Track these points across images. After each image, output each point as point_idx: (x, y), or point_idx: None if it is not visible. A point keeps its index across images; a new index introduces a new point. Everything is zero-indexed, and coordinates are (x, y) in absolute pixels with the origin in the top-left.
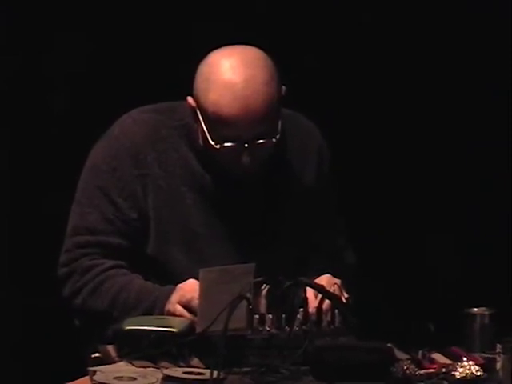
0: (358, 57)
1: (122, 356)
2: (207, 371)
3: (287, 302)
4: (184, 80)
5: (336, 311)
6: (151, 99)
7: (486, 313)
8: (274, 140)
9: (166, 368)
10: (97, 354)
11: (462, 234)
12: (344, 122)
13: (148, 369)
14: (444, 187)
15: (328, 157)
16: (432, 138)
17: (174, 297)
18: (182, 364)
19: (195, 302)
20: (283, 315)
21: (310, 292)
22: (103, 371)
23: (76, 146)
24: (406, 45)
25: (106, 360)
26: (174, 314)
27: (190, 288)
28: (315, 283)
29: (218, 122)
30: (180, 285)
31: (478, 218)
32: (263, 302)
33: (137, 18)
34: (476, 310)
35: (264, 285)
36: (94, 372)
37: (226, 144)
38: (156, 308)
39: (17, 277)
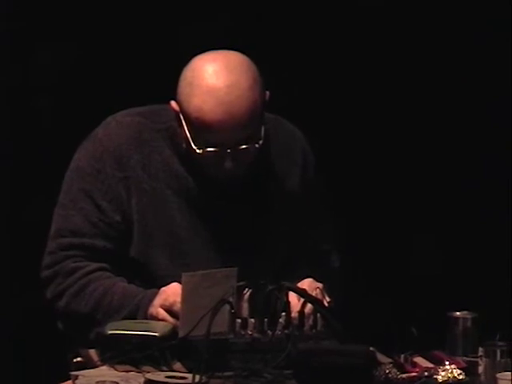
0: (352, 58)
1: (105, 360)
2: (190, 375)
3: (270, 306)
4: (171, 82)
5: (318, 315)
6: (137, 102)
7: (469, 316)
8: (257, 145)
9: (149, 372)
10: (79, 359)
11: (446, 238)
12: (329, 125)
13: (130, 373)
14: (427, 189)
15: (312, 160)
16: (416, 139)
17: (157, 300)
18: (164, 368)
19: (177, 306)
20: (265, 319)
21: (292, 296)
22: (85, 375)
23: (61, 149)
24: (400, 46)
25: (88, 364)
26: (156, 318)
27: (172, 292)
28: (297, 287)
29: (200, 127)
30: (163, 288)
31: (463, 220)
32: (245, 306)
33: (124, 21)
34: (458, 313)
35: (246, 289)
36: (77, 376)
37: (208, 149)
38: (139, 311)
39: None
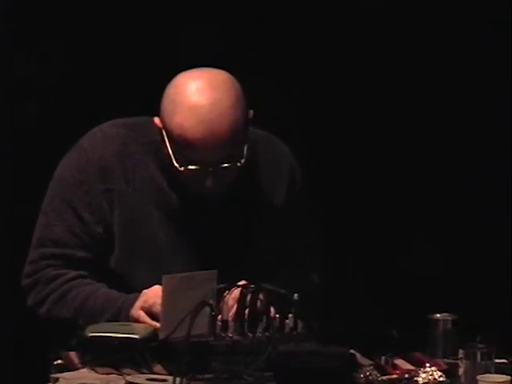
0: (351, 58)
1: (85, 363)
2: (170, 378)
3: (250, 307)
4: (157, 95)
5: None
6: (136, 101)
7: (449, 318)
8: (238, 164)
9: (129, 375)
10: (59, 361)
11: (427, 241)
12: (330, 124)
13: (111, 375)
14: (426, 190)
15: (299, 178)
16: (416, 139)
17: (138, 302)
18: (144, 370)
19: (157, 308)
20: (246, 321)
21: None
22: (66, 378)
23: (61, 149)
24: (399, 46)
25: (68, 367)
26: (137, 320)
27: (153, 293)
28: (277, 289)
29: (182, 145)
30: (145, 290)
31: (462, 221)
32: (225, 308)
33: (124, 21)
34: (438, 315)
35: (226, 291)
36: (57, 379)
37: (190, 167)
38: (122, 314)
39: None
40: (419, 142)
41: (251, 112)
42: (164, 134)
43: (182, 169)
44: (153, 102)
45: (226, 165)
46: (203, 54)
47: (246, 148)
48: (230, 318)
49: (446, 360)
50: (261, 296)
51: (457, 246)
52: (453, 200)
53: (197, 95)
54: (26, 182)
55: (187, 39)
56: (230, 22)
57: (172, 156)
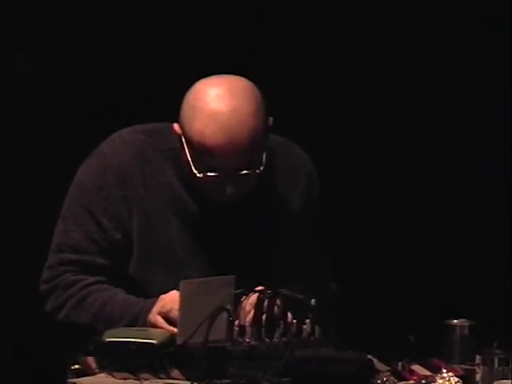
0: (351, 58)
1: (102, 367)
2: (188, 383)
3: (267, 313)
4: (171, 84)
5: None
6: (136, 102)
7: (466, 324)
8: (257, 171)
9: (147, 380)
10: (77, 366)
11: (446, 243)
12: (324, 128)
13: (128, 380)
14: (426, 190)
15: (317, 185)
16: (416, 138)
17: (155, 307)
18: (162, 376)
19: (175, 313)
20: (263, 326)
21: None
22: (83, 383)
23: (61, 149)
24: (399, 46)
25: (86, 372)
26: (155, 325)
27: (170, 299)
28: (295, 294)
29: (201, 152)
30: (162, 296)
31: (463, 222)
32: (243, 313)
33: (124, 21)
34: (456, 321)
35: (244, 296)
36: None
37: (209, 174)
38: (139, 319)
39: None
40: (419, 142)
41: (271, 119)
42: (183, 140)
43: (201, 175)
44: (156, 101)
45: (244, 172)
46: (203, 54)
47: (264, 155)
48: (247, 324)
49: (463, 366)
50: (278, 301)
51: (476, 249)
52: (454, 200)
53: (217, 102)
54: (26, 182)
55: (187, 39)
56: (230, 22)
57: (191, 163)
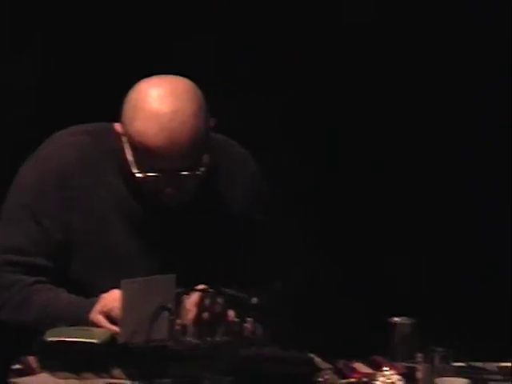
0: (352, 58)
1: (44, 367)
2: (129, 382)
3: (209, 311)
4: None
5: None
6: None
7: (408, 322)
8: (198, 173)
9: (88, 379)
10: (18, 366)
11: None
12: (315, 136)
13: (70, 380)
14: (425, 190)
15: (263, 185)
16: (416, 139)
17: (97, 306)
18: (104, 375)
19: (116, 312)
20: (205, 325)
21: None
22: (25, 383)
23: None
24: (399, 46)
25: (27, 371)
26: (97, 324)
27: (112, 298)
28: (238, 294)
29: (142, 152)
30: (103, 295)
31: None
32: (184, 312)
33: (120, 31)
34: (397, 319)
35: (185, 295)
36: None
37: (149, 174)
38: (82, 318)
39: None
40: (419, 143)
41: (213, 120)
42: (124, 140)
43: (142, 175)
44: None
45: (185, 173)
46: (198, 67)
47: (206, 156)
48: (188, 323)
49: (404, 363)
50: (220, 300)
51: (421, 251)
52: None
53: (158, 102)
54: None
55: (182, 53)
56: (227, 35)
57: (132, 162)
